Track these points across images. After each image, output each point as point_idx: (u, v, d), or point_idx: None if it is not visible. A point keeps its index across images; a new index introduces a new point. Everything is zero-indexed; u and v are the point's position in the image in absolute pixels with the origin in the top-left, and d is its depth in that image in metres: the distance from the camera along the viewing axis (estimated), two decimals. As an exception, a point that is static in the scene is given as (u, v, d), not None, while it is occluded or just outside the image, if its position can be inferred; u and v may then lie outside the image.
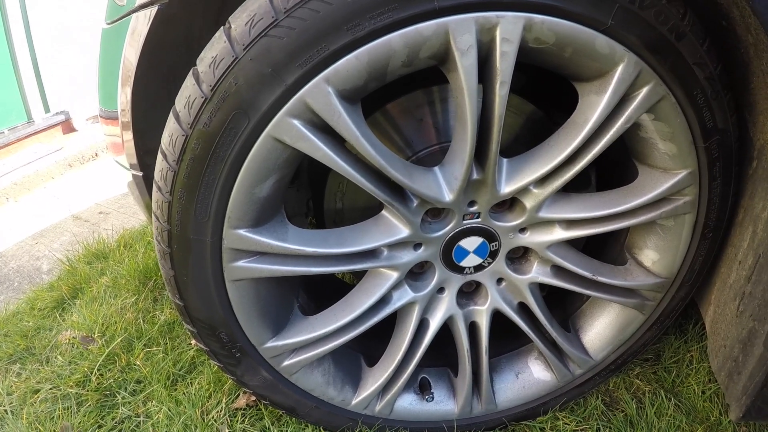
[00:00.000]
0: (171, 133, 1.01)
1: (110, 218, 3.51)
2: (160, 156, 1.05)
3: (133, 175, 1.42)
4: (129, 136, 1.32)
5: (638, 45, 0.98)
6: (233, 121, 0.96)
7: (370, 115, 1.31)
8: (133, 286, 2.34)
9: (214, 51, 0.94)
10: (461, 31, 0.91)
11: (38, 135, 5.26)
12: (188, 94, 0.97)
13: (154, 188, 1.09)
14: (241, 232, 1.09)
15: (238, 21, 0.92)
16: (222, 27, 0.97)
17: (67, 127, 5.51)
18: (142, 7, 1.14)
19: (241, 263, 1.13)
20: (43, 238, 3.42)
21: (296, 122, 0.96)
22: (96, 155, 4.94)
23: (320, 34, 0.89)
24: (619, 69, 1.00)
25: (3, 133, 5.06)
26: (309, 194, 1.61)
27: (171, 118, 1.02)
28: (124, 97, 1.26)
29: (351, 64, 0.92)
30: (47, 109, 5.43)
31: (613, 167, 1.38)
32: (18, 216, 3.93)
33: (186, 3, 1.12)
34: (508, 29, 0.92)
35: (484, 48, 0.95)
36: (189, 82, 0.98)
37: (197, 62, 0.98)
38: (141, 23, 1.15)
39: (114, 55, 1.30)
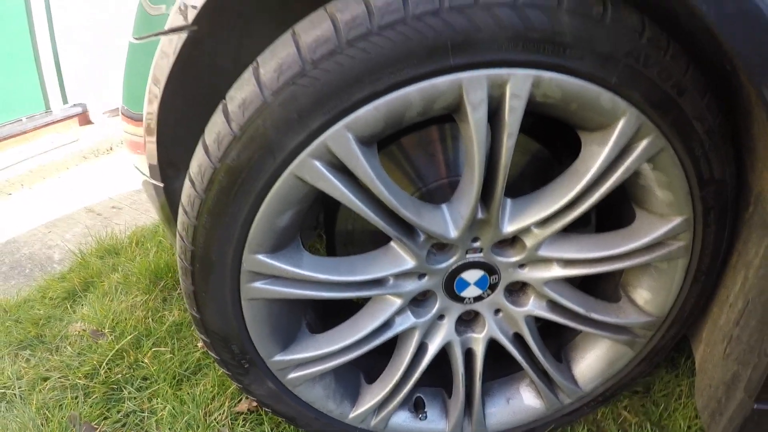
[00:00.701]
0: (200, 164, 1.08)
1: (122, 213, 3.57)
2: (188, 183, 1.12)
3: (153, 184, 1.48)
4: (153, 147, 1.38)
5: (640, 101, 1.02)
6: (259, 159, 1.03)
7: (386, 146, 1.38)
8: (143, 285, 2.41)
9: (244, 93, 1.01)
10: (473, 86, 0.97)
11: (55, 125, 5.32)
12: (218, 130, 1.04)
13: (181, 211, 1.16)
14: (260, 257, 1.16)
15: (267, 67, 0.99)
16: (251, 67, 1.04)
17: (84, 119, 5.57)
18: (172, 31, 1.20)
19: (257, 284, 1.21)
20: (55, 227, 3.49)
21: (317, 163, 1.03)
22: (111, 149, 5.00)
23: (344, 86, 0.96)
24: (621, 123, 1.05)
25: (21, 121, 5.13)
26: (320, 209, 1.68)
27: (200, 150, 1.09)
28: (150, 111, 1.32)
29: (370, 113, 0.99)
30: (65, 100, 5.49)
31: (614, 208, 1.43)
32: (32, 203, 3.99)
33: (212, 26, 1.18)
34: (518, 86, 0.98)
35: (494, 101, 1.01)
36: (219, 118, 1.05)
37: (227, 100, 1.05)
38: (170, 44, 1.21)
39: (141, 55, 1.36)
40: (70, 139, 5.09)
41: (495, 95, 1.01)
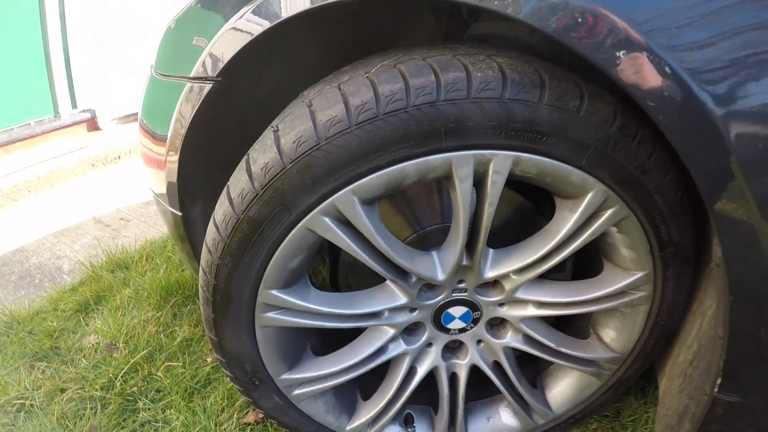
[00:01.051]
0: (225, 214, 1.24)
1: (131, 226, 3.62)
2: (212, 227, 1.28)
3: (171, 212, 1.61)
4: (173, 186, 1.52)
5: (607, 178, 1.15)
6: (277, 214, 1.19)
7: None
8: (154, 301, 2.51)
9: (267, 158, 1.17)
10: (461, 164, 1.13)
11: (63, 130, 5.34)
12: (242, 186, 1.20)
13: (205, 250, 1.32)
14: (273, 292, 1.32)
15: (287, 137, 1.15)
16: (271, 131, 1.19)
17: (92, 125, 5.59)
18: (198, 80, 1.35)
19: (270, 314, 1.37)
20: (64, 237, 3.51)
21: (326, 219, 1.20)
22: (119, 158, 5.02)
23: (351, 159, 1.12)
24: (589, 195, 1.18)
25: (29, 124, 5.15)
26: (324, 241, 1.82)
27: (225, 201, 1.25)
28: (172, 147, 1.45)
29: (372, 182, 1.15)
30: (74, 105, 5.50)
31: (588, 259, 1.55)
32: (39, 211, 4.02)
33: (233, 76, 1.33)
34: (500, 164, 1.14)
35: (478, 175, 1.17)
36: (243, 176, 1.21)
37: (251, 162, 1.20)
38: (194, 91, 1.35)
39: (164, 87, 1.48)
40: (78, 146, 5.10)
41: (480, 170, 1.16)
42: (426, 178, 1.18)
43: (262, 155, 1.19)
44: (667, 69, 0.93)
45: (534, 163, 1.15)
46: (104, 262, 2.98)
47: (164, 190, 1.57)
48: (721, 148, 0.94)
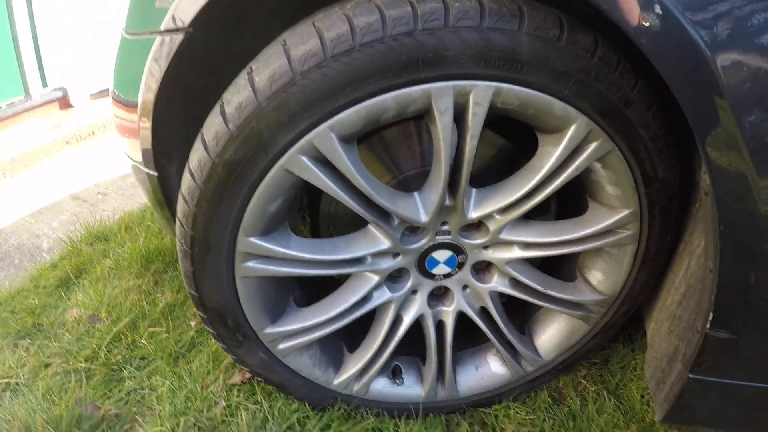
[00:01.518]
0: (199, 159, 1.21)
1: (109, 199, 3.58)
2: (187, 175, 1.25)
3: (147, 173, 1.57)
4: (147, 141, 1.47)
5: (590, 110, 1.14)
6: (253, 155, 1.16)
7: (368, 138, 1.49)
8: (135, 269, 2.48)
9: (240, 97, 1.14)
10: (441, 95, 1.11)
11: (35, 110, 5.23)
12: (216, 129, 1.17)
13: (180, 200, 1.29)
14: (252, 239, 1.30)
15: (262, 75, 1.12)
16: (246, 73, 1.16)
17: (65, 103, 5.48)
18: (168, 32, 1.30)
19: (250, 264, 1.34)
20: (42, 216, 3.47)
21: (304, 158, 1.17)
22: (93, 134, 4.94)
23: (328, 93, 1.09)
24: (572, 128, 1.17)
25: (0, 107, 5.02)
26: (304, 194, 1.80)
27: (199, 146, 1.21)
28: (145, 106, 1.40)
29: (351, 116, 1.12)
30: (45, 84, 5.37)
31: (573, 199, 1.54)
32: (16, 193, 3.95)
33: (205, 27, 1.28)
34: (480, 95, 1.12)
35: (459, 107, 1.15)
36: (217, 119, 1.18)
37: (225, 103, 1.17)
38: (164, 44, 1.31)
39: (133, 45, 1.44)
40: (51, 125, 5.01)
41: (460, 102, 1.14)
42: (406, 112, 1.16)
43: (236, 95, 1.16)
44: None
45: (515, 93, 1.14)
46: (83, 236, 2.94)
47: (140, 157, 1.53)
48: (711, 78, 0.92)
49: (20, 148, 4.55)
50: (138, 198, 3.50)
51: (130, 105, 1.48)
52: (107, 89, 4.31)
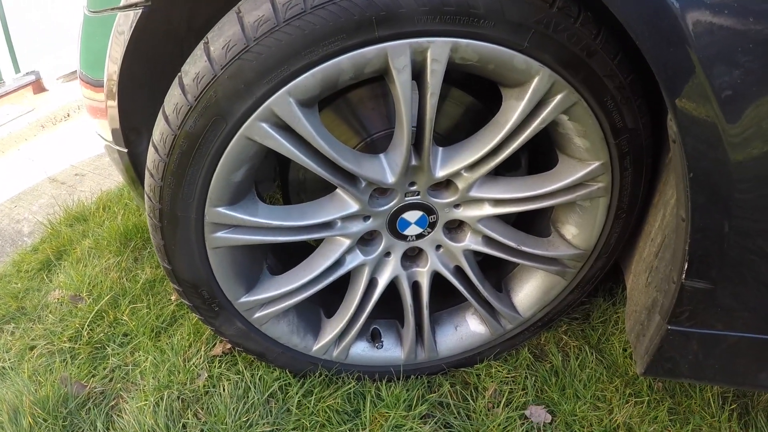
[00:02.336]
0: (162, 132, 1.20)
1: (86, 180, 3.57)
2: (152, 149, 1.24)
3: (117, 150, 1.56)
4: (114, 112, 1.46)
5: (552, 62, 1.14)
6: (213, 125, 1.16)
7: (334, 101, 1.49)
8: (114, 248, 2.49)
9: (197, 67, 1.13)
10: (398, 54, 1.10)
11: (8, 96, 5.17)
12: (176, 101, 1.17)
13: (147, 174, 1.28)
14: (220, 209, 1.29)
15: (216, 43, 1.11)
16: (202, 43, 1.15)
17: (38, 87, 5.41)
18: (128, 7, 1.29)
19: (219, 234, 1.34)
20: (21, 201, 3.46)
21: (264, 125, 1.17)
22: (68, 116, 4.90)
23: (283, 58, 1.08)
24: (535, 81, 1.17)
25: None
26: (275, 162, 1.80)
27: (161, 120, 1.21)
28: (111, 80, 1.40)
29: (308, 80, 1.11)
30: (17, 70, 5.32)
31: (543, 152, 1.55)
32: None
33: (164, 3, 1.28)
34: (437, 52, 1.11)
35: (417, 66, 1.14)
36: (176, 90, 1.17)
37: (183, 74, 1.16)
38: (125, 19, 1.30)
39: (96, 23, 1.42)
40: (26, 109, 4.96)
41: (418, 60, 1.13)
42: (363, 73, 1.15)
43: (193, 66, 1.15)
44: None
45: (473, 48, 1.12)
46: (62, 218, 2.94)
47: (110, 136, 1.53)
48: (677, 28, 0.92)
49: (-5, 135, 4.51)
50: (115, 177, 3.49)
51: (97, 85, 1.47)
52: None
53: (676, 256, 1.16)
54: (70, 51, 5.40)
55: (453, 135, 1.52)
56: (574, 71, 1.16)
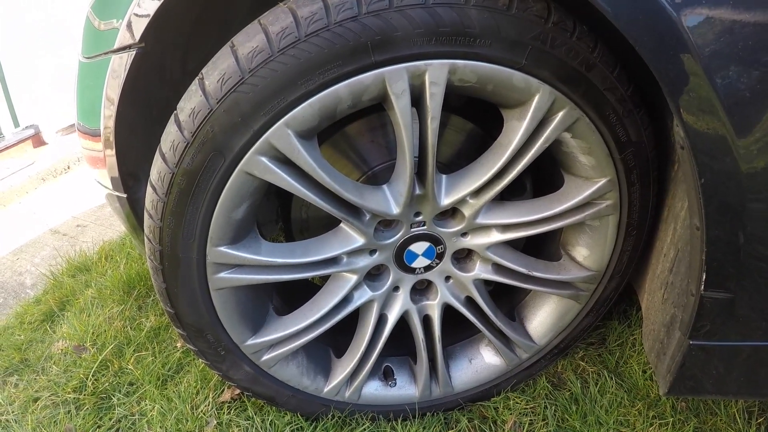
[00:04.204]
0: (159, 171, 1.18)
1: (88, 230, 3.56)
2: (150, 189, 1.22)
3: (116, 195, 1.54)
4: (112, 160, 1.44)
5: (551, 78, 1.12)
6: (211, 161, 1.13)
7: (331, 136, 1.47)
8: (117, 296, 2.45)
9: (192, 103, 1.11)
10: (395, 78, 1.08)
11: (9, 150, 5.22)
12: (172, 138, 1.14)
13: (146, 215, 1.25)
14: (222, 249, 1.26)
15: (211, 77, 1.09)
16: (197, 79, 1.13)
17: (38, 140, 5.46)
18: (122, 50, 1.28)
19: (222, 275, 1.31)
20: (23, 253, 3.45)
21: (263, 159, 1.14)
22: (68, 168, 4.92)
23: (279, 89, 1.06)
24: (536, 99, 1.15)
25: None
26: (278, 203, 1.77)
27: (158, 158, 1.18)
28: (107, 126, 1.38)
29: (305, 110, 1.09)
30: (17, 124, 5.38)
31: (548, 174, 1.53)
32: None
33: (158, 42, 1.27)
34: (435, 74, 1.09)
35: (416, 90, 1.12)
36: (172, 128, 1.15)
37: (178, 111, 1.14)
38: (120, 62, 1.29)
39: (91, 72, 1.41)
40: (26, 163, 4.99)
41: (416, 84, 1.11)
42: (361, 101, 1.13)
43: (189, 102, 1.13)
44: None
45: (471, 69, 1.11)
46: (65, 268, 2.92)
47: (110, 183, 1.51)
48: (679, 37, 0.91)
49: (-3, 189, 4.52)
50: (116, 227, 3.49)
51: (94, 134, 1.46)
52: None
53: (692, 268, 1.14)
54: (68, 104, 5.45)
55: (455, 163, 1.50)
56: (574, 86, 1.15)
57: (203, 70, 1.14)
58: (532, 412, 1.72)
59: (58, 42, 5.45)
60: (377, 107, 1.25)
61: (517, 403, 1.74)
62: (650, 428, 1.62)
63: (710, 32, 0.90)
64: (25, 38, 5.27)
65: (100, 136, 1.43)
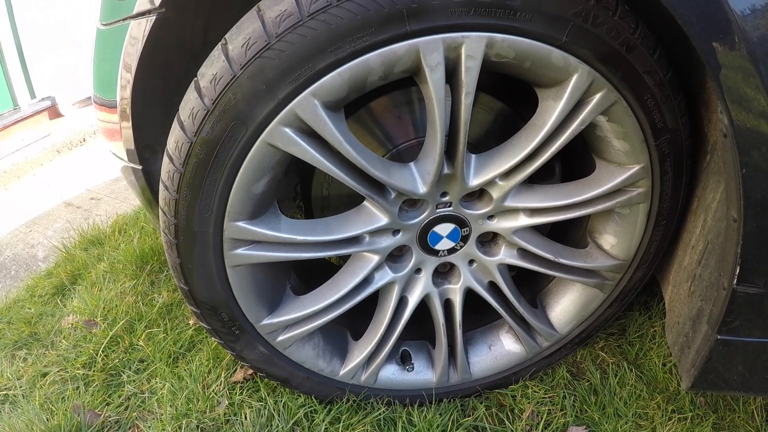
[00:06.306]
0: (177, 140, 1.13)
1: (102, 204, 3.56)
2: (166, 159, 1.17)
3: (132, 168, 1.51)
4: (129, 132, 1.41)
5: (591, 57, 1.08)
6: (232, 130, 1.08)
7: (356, 112, 1.42)
8: (130, 271, 2.43)
9: (215, 69, 1.06)
10: (430, 50, 1.03)
11: (25, 121, 5.24)
12: (192, 106, 1.09)
13: (161, 187, 1.21)
14: (240, 224, 1.21)
15: (235, 42, 1.04)
16: (220, 44, 1.08)
17: (54, 112, 5.49)
18: (140, 15, 1.24)
19: (240, 251, 1.26)
20: (36, 225, 3.47)
21: (287, 130, 1.09)
22: (84, 140, 4.94)
23: (307, 56, 1.01)
24: (574, 78, 1.10)
25: None
26: (297, 180, 1.72)
27: (176, 126, 1.13)
28: (124, 96, 1.35)
29: (334, 80, 1.04)
30: (33, 95, 5.39)
31: (578, 159, 1.49)
32: (10, 204, 3.96)
33: (179, 8, 1.23)
34: (472, 48, 1.04)
35: (450, 63, 1.07)
36: (192, 95, 1.10)
37: (199, 77, 1.09)
38: (138, 28, 1.25)
39: (109, 42, 1.38)
40: (41, 135, 5.02)
41: (451, 57, 1.06)
42: (393, 73, 1.07)
43: (210, 68, 1.08)
44: None
45: (510, 44, 1.05)
46: (77, 242, 2.91)
47: (125, 155, 1.48)
48: (725, 17, 0.87)
49: (11, 160, 4.58)
50: (131, 201, 3.48)
51: (111, 106, 1.43)
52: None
53: (725, 261, 1.11)
54: (85, 76, 5.43)
55: (482, 143, 1.45)
56: (614, 68, 1.10)
57: (227, 35, 1.09)
58: (551, 402, 1.69)
59: (79, 12, 5.43)
60: (405, 81, 1.21)
61: (535, 391, 1.71)
62: (669, 422, 1.59)
63: (759, 17, 0.86)
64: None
65: (116, 107, 1.40)
